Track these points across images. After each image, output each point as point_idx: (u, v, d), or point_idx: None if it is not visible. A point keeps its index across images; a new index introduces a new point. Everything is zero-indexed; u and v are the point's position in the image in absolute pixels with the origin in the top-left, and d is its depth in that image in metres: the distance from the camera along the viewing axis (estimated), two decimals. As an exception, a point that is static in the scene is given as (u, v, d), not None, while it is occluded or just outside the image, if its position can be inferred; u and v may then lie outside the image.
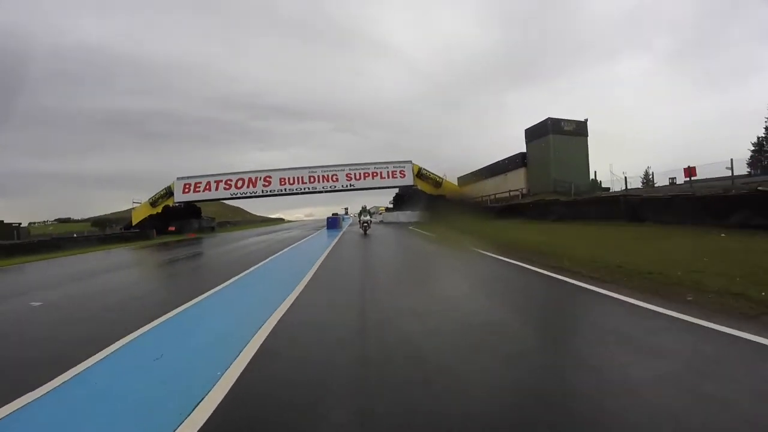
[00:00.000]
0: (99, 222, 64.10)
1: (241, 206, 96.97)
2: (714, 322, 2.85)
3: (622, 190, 16.49)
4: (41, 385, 2.41)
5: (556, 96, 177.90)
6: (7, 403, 2.20)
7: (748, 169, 29.53)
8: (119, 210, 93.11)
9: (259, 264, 8.46)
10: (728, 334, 2.64)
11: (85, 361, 2.79)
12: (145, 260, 12.37)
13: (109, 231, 32.41)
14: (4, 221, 36.65)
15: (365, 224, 17.85)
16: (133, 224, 30.03)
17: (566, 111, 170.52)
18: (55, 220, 78.97)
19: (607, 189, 20.36)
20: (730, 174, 14.86)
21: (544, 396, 1.96)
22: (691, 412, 1.76)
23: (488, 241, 9.79)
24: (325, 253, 9.68)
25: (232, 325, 3.59)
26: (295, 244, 14.21)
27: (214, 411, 1.96)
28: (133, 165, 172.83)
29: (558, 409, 1.84)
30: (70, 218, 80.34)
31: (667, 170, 18.10)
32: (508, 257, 7.03)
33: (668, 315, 3.13)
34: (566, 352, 2.56)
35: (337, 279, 6.07)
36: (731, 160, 14.11)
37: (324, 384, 2.19)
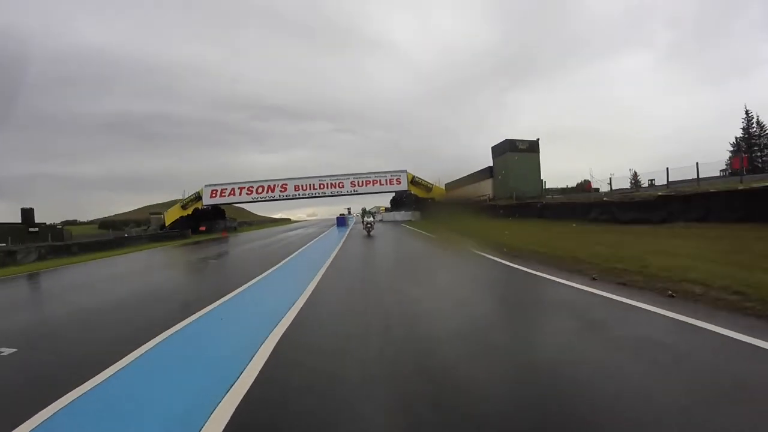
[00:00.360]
0: (106, 224, 63.98)
1: (243, 207, 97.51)
2: (484, 253, 8.35)
3: (549, 197, 21.88)
4: (245, 283, 7.65)
5: (556, 94, 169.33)
6: (245, 283, 7.49)
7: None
8: (121, 212, 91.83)
9: (302, 248, 13.80)
10: (484, 256, 8.13)
11: (257, 277, 8.11)
12: (219, 249, 16.79)
13: (151, 231, 37.27)
14: (47, 223, 41.76)
15: (369, 225, 18.44)
16: (167, 225, 35.06)
17: (566, 110, 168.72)
18: (62, 222, 77.27)
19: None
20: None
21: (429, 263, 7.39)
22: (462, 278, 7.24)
23: (444, 227, 16.55)
24: (342, 242, 15.16)
25: (307, 266, 8.85)
26: (318, 237, 19.55)
27: (315, 287, 7.21)
28: (132, 167, 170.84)
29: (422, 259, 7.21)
30: (76, 220, 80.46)
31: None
32: (449, 235, 13.00)
33: (477, 253, 8.65)
34: (440, 254, 8.26)
35: (352, 250, 11.51)
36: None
37: (355, 271, 7.73)
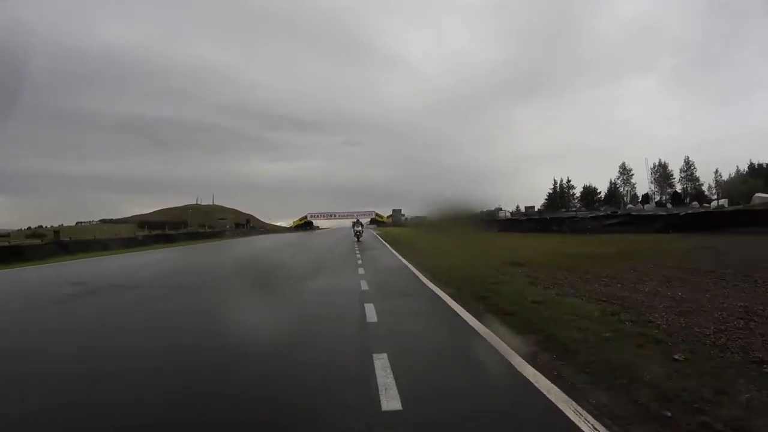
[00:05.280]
0: (143, 224, 67.08)
1: (253, 213, 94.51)
2: (377, 233, 54.37)
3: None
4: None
5: (562, 113, 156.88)
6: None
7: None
8: (138, 213, 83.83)
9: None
10: (378, 236, 55.69)
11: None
12: (331, 233, 59.88)
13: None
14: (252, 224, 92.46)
15: (358, 233, 23.96)
16: (293, 225, 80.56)
17: (570, 129, 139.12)
18: (100, 220, 77.63)
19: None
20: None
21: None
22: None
23: (383, 230, 64.77)
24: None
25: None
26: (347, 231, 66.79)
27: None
28: (141, 170, 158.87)
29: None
30: (112, 219, 79.30)
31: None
32: (380, 231, 60.79)
33: (376, 234, 53.45)
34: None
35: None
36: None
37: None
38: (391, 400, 2.48)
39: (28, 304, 6.76)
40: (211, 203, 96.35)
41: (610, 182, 63.01)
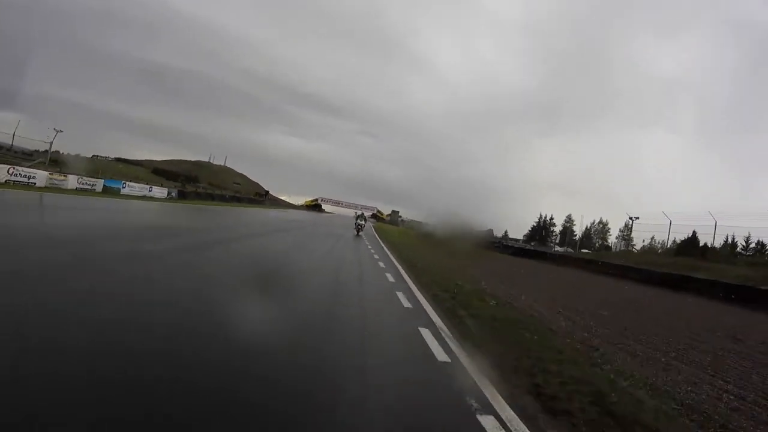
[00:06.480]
0: (158, 171, 75.05)
1: (259, 182, 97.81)
2: (372, 226, 71.30)
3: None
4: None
5: (577, 149, 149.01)
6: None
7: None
8: (149, 158, 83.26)
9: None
10: (372, 227, 72.35)
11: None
12: (333, 215, 73.74)
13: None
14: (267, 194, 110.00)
15: (359, 227, 23.83)
16: (305, 204, 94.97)
17: (582, 167, 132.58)
18: (115, 158, 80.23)
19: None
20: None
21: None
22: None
23: (377, 226, 79.93)
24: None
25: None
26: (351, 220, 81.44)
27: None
28: (157, 118, 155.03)
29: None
30: (127, 159, 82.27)
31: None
32: (374, 226, 76.35)
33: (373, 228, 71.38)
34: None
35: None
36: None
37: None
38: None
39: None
40: (222, 164, 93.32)
41: (585, 228, 72.76)
